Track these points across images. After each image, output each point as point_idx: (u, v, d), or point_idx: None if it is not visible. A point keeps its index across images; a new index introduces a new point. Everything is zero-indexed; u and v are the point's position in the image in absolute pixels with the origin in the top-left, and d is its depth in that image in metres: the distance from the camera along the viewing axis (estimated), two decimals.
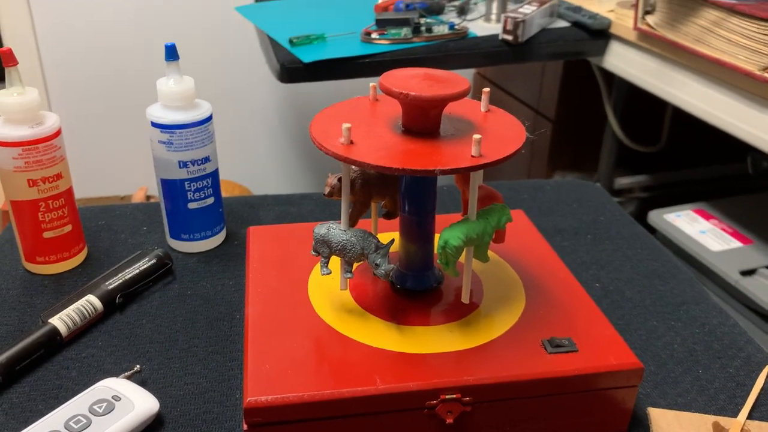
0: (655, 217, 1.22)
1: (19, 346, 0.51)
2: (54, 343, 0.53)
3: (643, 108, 1.39)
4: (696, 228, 1.19)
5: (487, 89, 0.48)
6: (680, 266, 0.67)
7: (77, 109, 1.70)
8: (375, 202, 0.54)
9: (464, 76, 0.46)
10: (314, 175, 1.97)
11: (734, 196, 1.28)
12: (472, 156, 0.42)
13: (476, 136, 0.41)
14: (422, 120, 0.45)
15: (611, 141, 1.38)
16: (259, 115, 1.84)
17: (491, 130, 0.46)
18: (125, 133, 1.76)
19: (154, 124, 0.60)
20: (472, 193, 0.45)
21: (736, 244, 1.15)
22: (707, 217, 1.22)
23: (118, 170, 1.78)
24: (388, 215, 0.55)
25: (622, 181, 1.42)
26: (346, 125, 0.43)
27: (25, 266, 0.62)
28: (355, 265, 0.52)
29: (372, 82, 0.51)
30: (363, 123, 0.47)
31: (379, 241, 0.47)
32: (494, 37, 1.17)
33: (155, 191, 1.63)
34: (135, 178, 1.76)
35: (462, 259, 0.50)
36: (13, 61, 0.56)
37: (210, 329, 0.56)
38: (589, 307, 0.51)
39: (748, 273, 1.09)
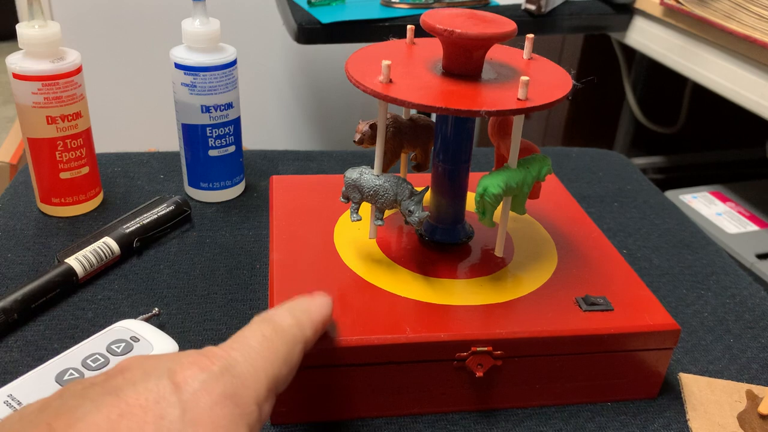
0: (671, 197, 1.20)
1: (34, 284, 0.50)
2: (70, 283, 0.51)
3: (662, 88, 1.37)
4: (712, 210, 1.18)
5: (531, 35, 0.46)
6: (708, 237, 0.65)
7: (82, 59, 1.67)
8: (405, 153, 0.53)
9: None
10: (325, 139, 1.94)
11: (751, 180, 1.26)
12: (519, 99, 0.40)
13: (524, 78, 0.40)
14: (465, 61, 0.43)
15: (628, 120, 1.36)
16: (271, 76, 1.81)
17: (536, 76, 0.44)
18: (133, 89, 1.73)
19: (177, 66, 0.58)
20: (514, 140, 0.43)
21: (752, 227, 1.14)
22: (724, 200, 1.20)
23: (125, 128, 1.76)
24: (418, 167, 0.53)
25: (638, 161, 1.40)
26: (386, 62, 0.41)
27: (40, 207, 0.61)
28: (387, 212, 0.51)
29: (410, 26, 0.49)
30: (401, 64, 0.45)
31: (413, 187, 0.45)
32: (517, 6, 1.15)
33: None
34: (144, 137, 1.73)
35: (497, 211, 0.48)
36: None
37: (229, 277, 0.55)
38: (623, 269, 0.50)
39: (764, 256, 1.07)
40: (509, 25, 0.42)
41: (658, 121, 1.39)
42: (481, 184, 0.43)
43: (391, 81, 0.42)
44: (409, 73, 0.43)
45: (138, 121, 1.76)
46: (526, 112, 0.40)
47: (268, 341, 0.33)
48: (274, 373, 0.32)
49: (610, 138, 1.43)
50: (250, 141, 1.82)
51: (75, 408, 0.28)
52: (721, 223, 1.14)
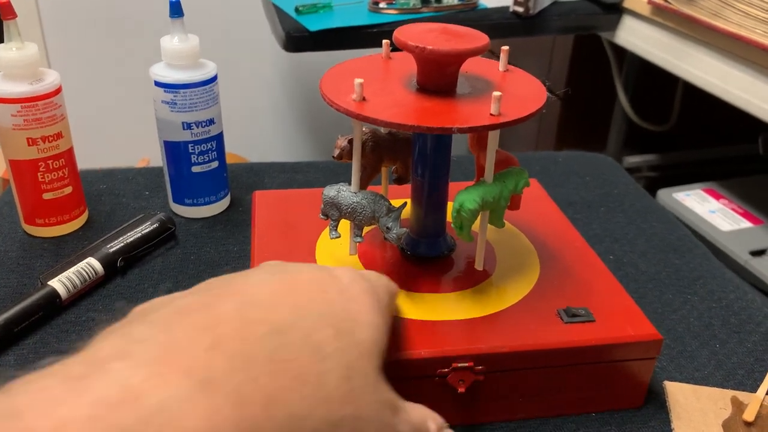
0: (664, 195, 1.20)
1: (17, 307, 0.50)
2: (53, 305, 0.51)
3: (654, 86, 1.36)
4: (706, 207, 1.17)
5: (506, 47, 0.46)
6: (695, 240, 0.65)
7: (74, 73, 1.68)
8: (385, 167, 0.53)
9: None
10: (317, 148, 1.95)
11: (744, 177, 1.26)
12: (492, 114, 0.40)
13: (496, 94, 0.39)
14: (438, 76, 0.43)
15: (620, 119, 1.36)
16: (260, 85, 1.81)
17: (510, 90, 0.44)
18: (125, 100, 1.73)
19: (157, 84, 0.58)
20: (489, 154, 0.43)
21: (746, 224, 1.13)
22: (717, 197, 1.20)
23: (118, 140, 1.76)
24: (399, 180, 0.53)
25: (631, 160, 1.40)
26: (358, 80, 0.41)
27: (25, 228, 0.61)
28: (366, 229, 0.50)
29: (386, 41, 0.49)
30: (376, 80, 0.45)
31: (390, 203, 0.45)
32: (505, 8, 1.14)
33: (158, 163, 1.60)
34: (136, 148, 1.73)
35: (476, 224, 0.48)
36: (12, 14, 0.54)
37: None
38: (606, 278, 0.50)
39: (758, 253, 1.07)
40: (481, 40, 0.42)
41: (651, 120, 1.39)
42: (457, 200, 0.43)
43: (364, 99, 0.42)
44: (383, 90, 0.43)
45: (131, 133, 1.76)
46: (498, 128, 0.40)
47: (377, 278, 0.38)
48: (386, 299, 0.37)
49: (602, 137, 1.43)
50: (242, 150, 1.82)
51: (248, 275, 0.33)
52: (714, 221, 1.13)
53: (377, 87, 0.44)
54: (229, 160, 1.73)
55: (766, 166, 1.40)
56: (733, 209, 1.17)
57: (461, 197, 0.43)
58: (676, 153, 1.43)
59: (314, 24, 1.06)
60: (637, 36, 1.15)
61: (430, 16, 1.10)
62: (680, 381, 0.49)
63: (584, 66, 1.41)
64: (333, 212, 0.46)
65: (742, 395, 0.47)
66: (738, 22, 0.92)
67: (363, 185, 0.49)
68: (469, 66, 0.47)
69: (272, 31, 1.16)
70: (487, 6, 1.15)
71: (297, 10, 1.09)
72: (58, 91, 0.56)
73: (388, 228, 0.44)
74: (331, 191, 0.45)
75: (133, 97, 1.73)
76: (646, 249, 0.63)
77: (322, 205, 0.46)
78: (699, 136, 1.47)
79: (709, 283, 0.59)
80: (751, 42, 0.90)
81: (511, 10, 1.13)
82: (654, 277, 0.59)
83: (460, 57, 0.41)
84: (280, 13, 1.12)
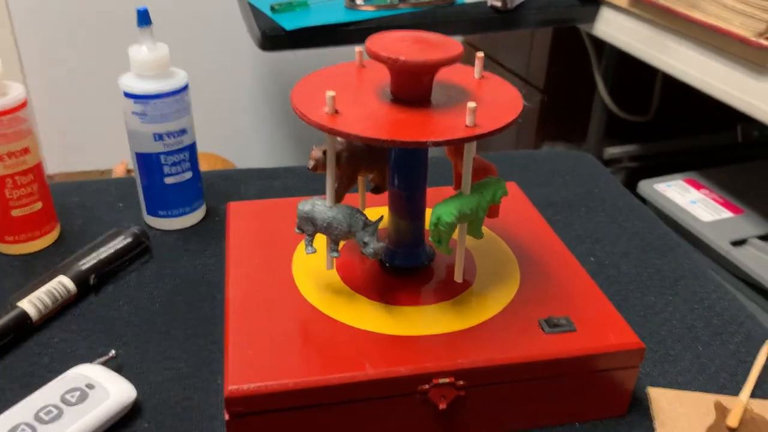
0: (645, 187, 1.20)
1: None
2: (24, 327, 0.50)
3: (633, 77, 1.36)
4: (686, 198, 1.17)
5: (480, 54, 0.45)
6: (677, 239, 0.65)
7: (51, 76, 1.65)
8: (362, 177, 0.52)
9: None
10: (300, 147, 1.93)
11: (724, 166, 1.26)
12: (467, 126, 0.39)
13: (471, 105, 0.39)
14: (412, 87, 0.42)
15: (600, 110, 1.36)
16: (241, 85, 1.79)
17: (486, 98, 0.43)
18: (104, 102, 1.71)
19: (126, 95, 0.57)
20: (466, 166, 0.42)
21: (726, 214, 1.14)
22: (698, 187, 1.20)
23: (96, 142, 1.73)
24: (377, 190, 0.52)
25: (612, 151, 1.40)
26: (330, 93, 0.40)
27: None
28: (342, 242, 0.49)
29: (358, 49, 0.47)
30: (349, 91, 0.44)
31: (367, 218, 0.44)
32: (483, 3, 1.13)
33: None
34: (115, 151, 1.71)
35: (455, 235, 0.47)
36: None
37: (190, 311, 0.53)
38: (587, 284, 0.49)
39: (738, 243, 1.07)
40: (455, 49, 0.41)
41: (631, 110, 1.39)
42: (434, 213, 0.42)
43: (336, 111, 0.40)
44: (357, 102, 0.42)
45: (109, 137, 1.73)
46: (473, 140, 0.39)
47: None
48: None
49: (583, 129, 1.42)
50: (223, 152, 1.80)
51: None
52: (695, 212, 1.13)
53: (350, 98, 0.42)
54: (213, 162, 1.69)
55: (745, 154, 1.40)
56: (713, 199, 1.17)
57: (438, 210, 0.42)
58: (657, 143, 1.43)
59: (290, 22, 1.05)
60: (615, 28, 1.14)
61: (407, 12, 1.09)
62: (663, 386, 0.48)
63: (564, 59, 1.40)
64: (308, 227, 0.45)
65: (726, 399, 0.47)
66: (715, 14, 0.92)
67: (339, 196, 0.48)
68: (445, 73, 0.46)
69: (248, 31, 1.15)
70: (465, 1, 1.14)
71: (272, 8, 1.08)
72: (23, 105, 0.55)
73: (365, 243, 0.43)
74: (305, 206, 0.44)
75: (110, 102, 1.71)
76: (628, 249, 0.63)
77: (297, 220, 0.45)
78: (679, 126, 1.47)
79: (691, 283, 0.59)
80: (728, 33, 0.90)
81: (489, 4, 1.12)
82: (635, 278, 0.59)
83: (434, 67, 0.40)
84: (255, 12, 1.10)
